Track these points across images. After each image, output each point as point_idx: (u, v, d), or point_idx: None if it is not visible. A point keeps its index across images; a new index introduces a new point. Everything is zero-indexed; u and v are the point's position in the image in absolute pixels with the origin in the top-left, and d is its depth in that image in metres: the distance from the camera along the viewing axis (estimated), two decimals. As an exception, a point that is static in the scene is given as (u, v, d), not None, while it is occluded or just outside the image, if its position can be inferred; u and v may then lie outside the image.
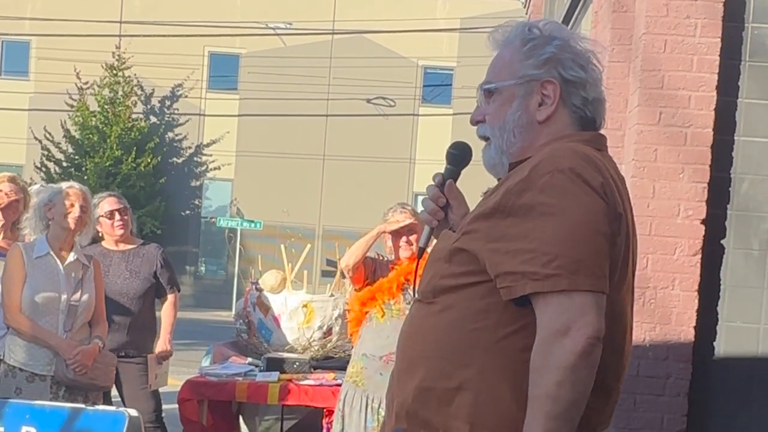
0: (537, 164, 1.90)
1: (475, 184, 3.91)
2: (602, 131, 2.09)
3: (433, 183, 2.23)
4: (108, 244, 5.41)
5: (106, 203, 5.42)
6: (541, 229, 1.82)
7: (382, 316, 4.64)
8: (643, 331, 4.23)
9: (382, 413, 4.49)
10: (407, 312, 4.54)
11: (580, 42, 2.06)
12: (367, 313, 4.68)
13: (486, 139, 2.08)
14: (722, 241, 4.37)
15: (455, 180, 2.22)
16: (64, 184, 4.51)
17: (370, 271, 4.77)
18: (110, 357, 4.55)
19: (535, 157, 1.95)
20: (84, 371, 4.30)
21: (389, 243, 4.78)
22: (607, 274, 1.84)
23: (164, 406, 5.78)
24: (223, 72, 26.25)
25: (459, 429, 1.89)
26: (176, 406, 5.14)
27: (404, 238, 4.69)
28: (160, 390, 5.74)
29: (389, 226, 4.69)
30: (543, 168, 1.87)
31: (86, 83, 24.16)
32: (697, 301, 4.28)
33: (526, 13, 10.50)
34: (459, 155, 2.22)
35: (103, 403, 4.46)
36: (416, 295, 2.09)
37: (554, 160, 1.88)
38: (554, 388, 1.78)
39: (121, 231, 5.39)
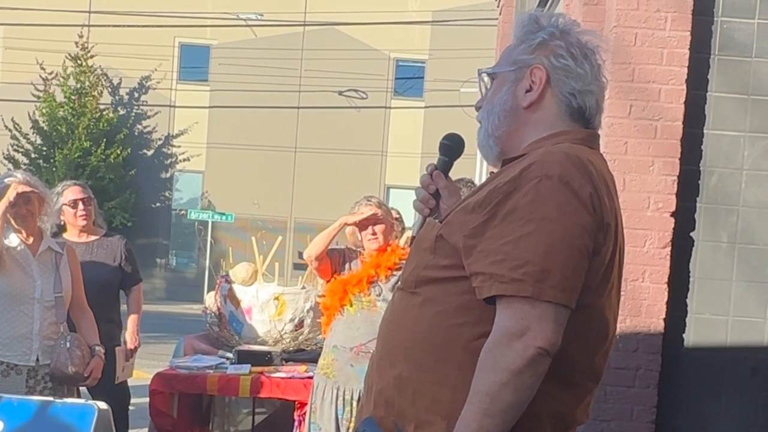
0: (528, 166, 1.89)
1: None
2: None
3: (425, 172, 2.23)
4: (70, 235, 5.35)
5: (69, 192, 5.36)
6: (518, 234, 1.81)
7: (353, 308, 4.63)
8: (615, 329, 4.24)
9: (354, 404, 4.50)
10: (377, 304, 4.57)
11: (582, 35, 2.05)
12: (343, 306, 4.67)
13: (481, 123, 2.10)
14: (692, 234, 4.40)
15: (448, 170, 2.24)
16: (8, 178, 4.41)
17: (337, 263, 4.76)
18: (101, 353, 4.55)
19: (527, 157, 1.94)
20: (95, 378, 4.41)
21: (357, 235, 4.77)
22: (576, 289, 1.83)
23: (133, 400, 5.75)
24: (194, 63, 26.09)
25: (435, 423, 1.89)
26: (146, 399, 5.12)
27: (370, 230, 4.67)
28: (129, 383, 5.71)
29: (351, 217, 4.68)
30: (533, 172, 1.86)
31: (51, 73, 23.93)
32: (666, 293, 4.31)
33: (498, 6, 10.51)
34: (452, 146, 2.24)
35: (72, 396, 4.42)
36: (399, 283, 2.09)
37: (544, 165, 1.87)
38: (496, 388, 1.78)
39: (84, 221, 5.34)
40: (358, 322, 4.58)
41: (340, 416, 4.56)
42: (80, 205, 5.33)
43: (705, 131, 4.39)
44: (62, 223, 5.38)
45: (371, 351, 4.61)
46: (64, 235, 5.31)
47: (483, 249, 1.85)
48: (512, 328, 1.79)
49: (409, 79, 26.25)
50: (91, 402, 4.07)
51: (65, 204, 5.32)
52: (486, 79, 2.13)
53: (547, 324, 1.79)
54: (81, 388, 4.65)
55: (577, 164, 1.87)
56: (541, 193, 1.83)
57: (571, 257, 1.81)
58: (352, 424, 4.50)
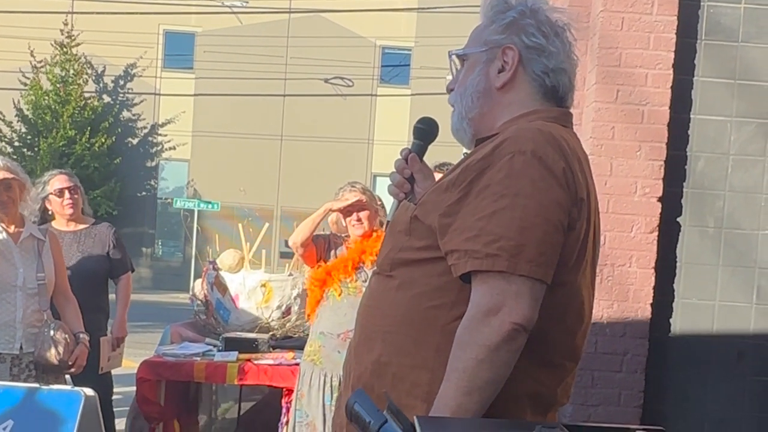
0: (500, 143, 1.88)
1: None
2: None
3: (400, 157, 2.23)
4: (58, 224, 5.32)
5: (56, 181, 5.32)
6: (491, 210, 1.81)
7: (339, 294, 4.62)
8: (600, 308, 4.26)
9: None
10: (364, 290, 4.56)
11: (551, 13, 2.03)
12: (325, 293, 4.66)
13: (453, 106, 2.08)
14: (678, 219, 4.41)
15: (422, 154, 2.23)
16: None
17: (322, 249, 4.75)
18: (86, 340, 4.52)
19: (500, 135, 1.93)
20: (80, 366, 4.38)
21: (342, 222, 4.76)
22: (551, 264, 1.81)
23: (121, 389, 5.73)
24: (179, 51, 25.95)
25: (415, 407, 1.87)
26: (133, 388, 5.10)
27: (355, 216, 4.66)
28: (117, 372, 5.69)
29: (336, 204, 4.67)
30: (505, 148, 1.85)
31: (40, 62, 23.79)
32: (653, 278, 4.31)
33: (484, -7, 10.49)
34: (426, 130, 2.23)
35: (58, 383, 4.40)
36: (375, 267, 2.08)
37: (518, 141, 1.86)
38: (473, 365, 1.77)
39: (71, 210, 5.30)
40: (344, 308, 4.57)
41: (327, 403, 4.55)
42: (66, 194, 5.30)
43: (692, 116, 4.40)
44: (49, 212, 5.34)
45: (359, 337, 4.62)
46: (53, 224, 5.27)
47: (458, 227, 1.84)
48: (488, 304, 1.78)
49: (395, 66, 26.20)
50: (77, 389, 4.05)
51: (52, 193, 5.28)
52: (456, 61, 2.11)
53: (523, 299, 1.78)
54: (65, 376, 4.63)
55: (550, 140, 1.87)
56: (515, 168, 1.82)
57: (546, 232, 1.80)
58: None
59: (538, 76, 2.00)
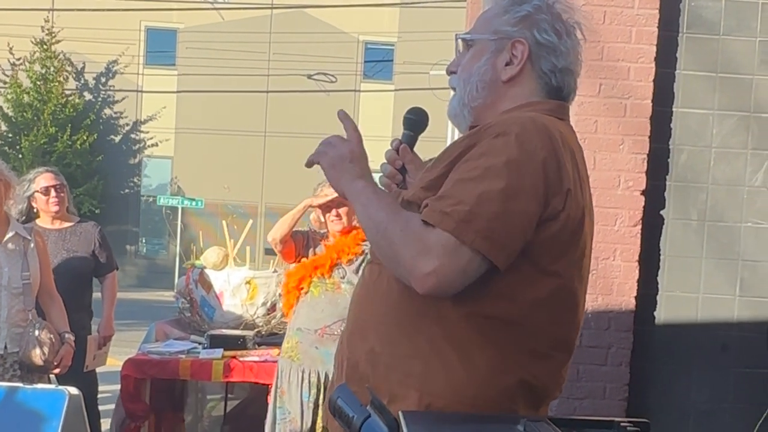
0: (489, 125, 1.88)
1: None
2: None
3: (390, 148, 2.23)
4: (43, 222, 5.30)
5: (42, 179, 5.30)
6: (459, 177, 1.82)
7: (317, 290, 4.62)
8: (585, 301, 4.27)
9: (322, 387, 4.50)
10: (342, 286, 4.57)
11: (566, 10, 2.02)
12: (302, 289, 4.66)
13: (455, 90, 2.07)
14: (662, 212, 4.42)
15: (413, 145, 2.23)
16: None
17: (301, 245, 4.74)
18: (71, 340, 4.51)
19: (492, 120, 1.93)
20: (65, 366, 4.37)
21: (321, 218, 4.75)
22: (504, 246, 1.79)
23: (104, 387, 5.71)
24: (161, 47, 25.85)
25: (408, 396, 1.88)
26: (117, 386, 5.08)
27: (334, 212, 4.65)
28: (101, 371, 5.67)
29: (316, 200, 4.66)
30: (492, 129, 1.86)
31: (19, 59, 23.65)
32: (637, 271, 4.33)
33: (467, -13, 10.49)
34: (416, 120, 2.23)
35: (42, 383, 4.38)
36: (369, 256, 2.09)
37: (505, 123, 1.86)
38: (384, 230, 1.84)
39: (57, 208, 5.29)
40: (322, 304, 4.57)
41: (305, 399, 4.55)
42: (52, 192, 5.28)
43: (674, 109, 4.41)
44: (35, 210, 5.32)
45: (336, 333, 4.64)
46: (37, 222, 5.25)
47: (436, 194, 1.85)
48: (430, 243, 1.77)
49: (378, 62, 26.19)
50: (61, 387, 4.03)
51: (37, 191, 5.26)
52: (461, 44, 2.09)
53: (454, 263, 1.77)
54: (50, 376, 4.61)
55: (540, 128, 1.86)
56: (495, 146, 1.82)
57: (505, 212, 1.78)
58: (319, 409, 4.51)
59: (545, 74, 1.99)
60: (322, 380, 4.53)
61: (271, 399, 4.71)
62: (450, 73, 2.10)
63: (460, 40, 2.09)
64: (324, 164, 2.01)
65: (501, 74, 2.00)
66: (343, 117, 2.07)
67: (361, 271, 4.71)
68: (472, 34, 2.06)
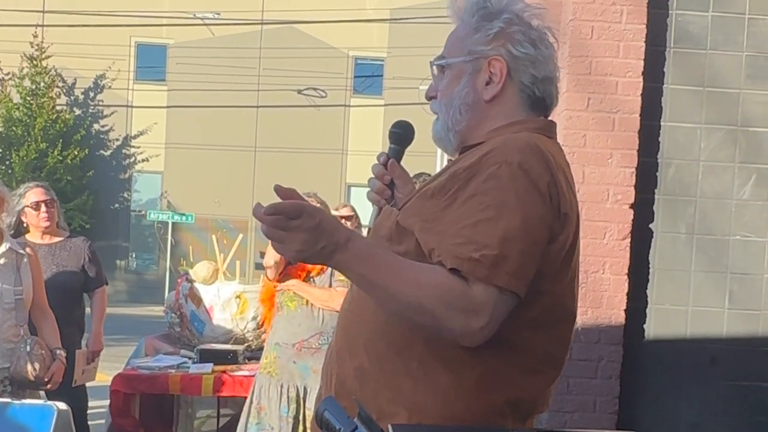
0: (487, 153, 1.87)
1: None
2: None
3: (378, 162, 2.22)
4: (33, 237, 5.29)
5: (32, 194, 5.29)
6: (476, 219, 1.79)
7: (293, 305, 4.63)
8: (576, 317, 4.28)
9: (301, 401, 4.51)
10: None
11: (534, 18, 2.01)
12: (279, 303, 4.69)
13: (437, 114, 2.06)
14: (650, 225, 4.44)
15: (400, 158, 2.22)
16: None
17: (283, 262, 4.76)
18: (62, 357, 4.49)
19: (487, 144, 1.92)
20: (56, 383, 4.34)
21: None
22: (528, 278, 1.80)
23: (96, 402, 5.69)
24: (151, 63, 25.86)
25: (397, 414, 1.87)
26: (106, 402, 5.06)
27: None
28: (91, 386, 5.65)
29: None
30: (493, 158, 1.84)
31: (8, 74, 23.63)
32: (627, 284, 4.34)
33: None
34: (402, 134, 2.22)
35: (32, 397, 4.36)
36: None
37: (505, 151, 1.85)
38: (412, 300, 1.75)
39: (47, 223, 5.28)
40: (299, 318, 4.59)
41: (284, 414, 4.55)
42: (43, 207, 5.27)
43: (662, 123, 4.44)
44: (24, 224, 5.31)
45: (313, 346, 4.66)
46: (27, 237, 5.24)
47: (442, 231, 1.82)
48: (476, 302, 1.75)
49: (368, 77, 26.24)
50: (50, 403, 4.01)
51: (28, 206, 5.25)
52: (435, 68, 2.07)
53: (497, 310, 1.77)
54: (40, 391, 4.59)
55: (537, 153, 1.86)
56: (501, 179, 1.81)
57: (528, 245, 1.79)
58: (299, 424, 4.51)
59: (527, 86, 1.98)
60: (301, 395, 4.54)
61: (244, 415, 4.67)
62: (429, 98, 2.08)
63: (435, 67, 2.07)
64: (297, 257, 1.79)
65: (483, 94, 1.98)
66: (278, 189, 1.82)
67: (349, 287, 4.71)
68: (446, 58, 2.04)
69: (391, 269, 1.77)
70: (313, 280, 4.65)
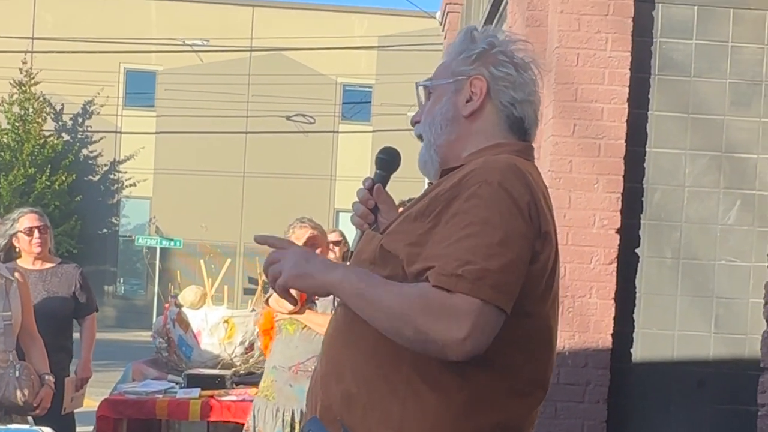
0: (468, 174, 1.90)
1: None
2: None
3: (363, 187, 2.24)
4: (24, 262, 5.28)
5: (26, 219, 5.29)
6: (458, 236, 1.81)
7: (292, 328, 4.64)
8: (562, 339, 4.30)
9: (296, 425, 4.49)
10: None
11: (521, 49, 2.06)
12: (278, 326, 4.68)
13: (421, 138, 2.09)
14: (637, 250, 4.48)
15: (385, 184, 2.24)
16: None
17: (303, 297, 4.76)
18: (51, 382, 4.47)
19: (467, 166, 1.95)
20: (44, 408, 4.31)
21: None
22: (513, 294, 1.82)
23: (83, 428, 5.66)
24: (140, 89, 25.90)
25: None
26: (91, 427, 5.04)
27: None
28: (78, 411, 5.62)
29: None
30: (473, 178, 1.87)
31: (-2, 100, 23.68)
32: (613, 308, 4.37)
33: (443, 31, 10.62)
34: (388, 159, 2.24)
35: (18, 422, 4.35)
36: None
37: (485, 171, 1.88)
38: (393, 314, 1.80)
39: (39, 249, 5.27)
40: (296, 341, 4.59)
41: None
42: (36, 233, 5.26)
43: (647, 149, 4.49)
44: (16, 249, 5.31)
45: (309, 369, 4.66)
46: (18, 262, 5.23)
47: (426, 254, 1.84)
48: (457, 310, 1.77)
49: (356, 103, 26.34)
50: (37, 428, 4.00)
51: (21, 231, 5.25)
52: (422, 94, 2.12)
53: (483, 320, 1.78)
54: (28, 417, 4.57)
55: (517, 173, 1.89)
56: (483, 197, 1.84)
57: (511, 262, 1.81)
58: None
59: (505, 106, 2.02)
60: (297, 419, 4.53)
61: None
62: (414, 123, 2.12)
63: (422, 92, 2.12)
64: (288, 281, 1.94)
65: (462, 110, 2.03)
66: (262, 240, 2.00)
67: (333, 313, 4.70)
68: (432, 81, 2.10)
69: (379, 281, 1.86)
70: (315, 304, 4.64)
